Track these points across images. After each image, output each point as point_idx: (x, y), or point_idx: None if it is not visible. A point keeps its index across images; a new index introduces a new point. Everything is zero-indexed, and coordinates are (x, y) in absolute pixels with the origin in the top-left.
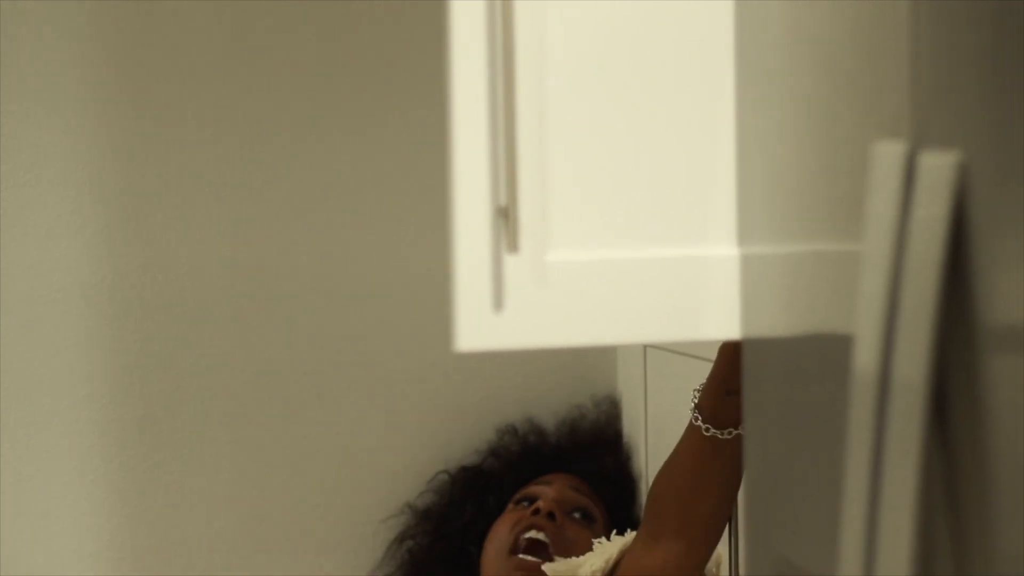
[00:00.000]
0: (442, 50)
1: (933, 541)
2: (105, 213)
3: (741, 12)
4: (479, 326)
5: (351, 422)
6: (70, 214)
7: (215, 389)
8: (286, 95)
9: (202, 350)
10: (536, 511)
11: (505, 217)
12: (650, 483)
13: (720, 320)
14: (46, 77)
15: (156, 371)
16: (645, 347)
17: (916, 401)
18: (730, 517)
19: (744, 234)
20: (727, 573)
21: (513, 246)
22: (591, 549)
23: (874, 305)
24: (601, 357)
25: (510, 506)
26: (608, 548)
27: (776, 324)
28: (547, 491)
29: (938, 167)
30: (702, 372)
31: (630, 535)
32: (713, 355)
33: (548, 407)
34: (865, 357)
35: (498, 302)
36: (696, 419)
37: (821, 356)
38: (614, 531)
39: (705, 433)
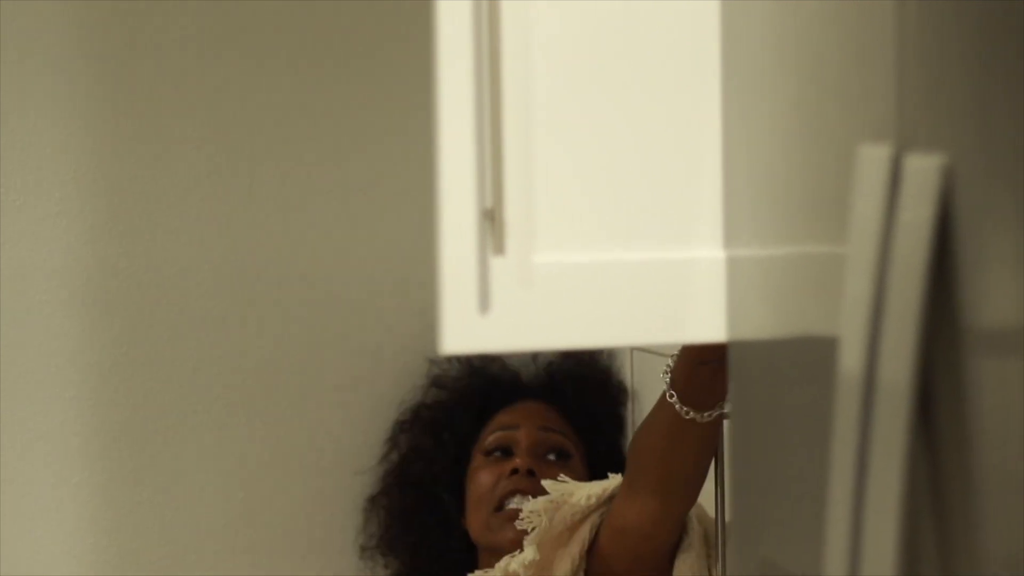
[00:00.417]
0: (428, 50)
1: (918, 543)
2: (92, 215)
3: (727, 14)
4: (465, 328)
5: (339, 423)
6: (55, 216)
7: (201, 391)
8: (273, 93)
9: (188, 352)
10: (514, 470)
11: (491, 219)
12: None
13: (706, 322)
14: (31, 75)
15: (141, 374)
16: (632, 350)
17: (901, 403)
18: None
19: (730, 236)
20: (710, 527)
21: (499, 248)
22: None
23: (859, 307)
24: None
25: (480, 457)
26: (606, 482)
27: (762, 326)
28: (518, 438)
29: (923, 170)
30: None
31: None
32: None
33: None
34: (850, 359)
35: (484, 304)
36: (671, 396)
37: (806, 358)
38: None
39: (684, 416)
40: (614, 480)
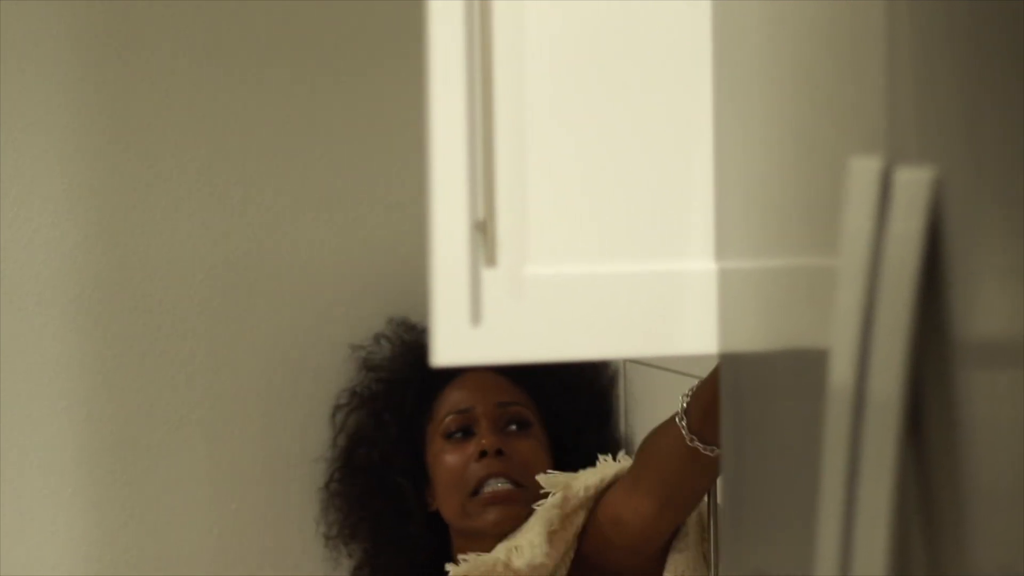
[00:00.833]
0: (421, 61)
1: (908, 554)
2: (84, 227)
3: (719, 28)
4: (457, 340)
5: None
6: (48, 227)
7: (193, 403)
8: (264, 106)
9: (180, 366)
10: (482, 452)
11: (483, 231)
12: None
13: (697, 334)
14: (26, 84)
15: (133, 386)
16: (624, 362)
17: (891, 415)
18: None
19: (721, 248)
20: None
21: (491, 260)
22: (540, 454)
23: (849, 320)
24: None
25: (439, 440)
26: (605, 468)
27: (753, 338)
28: (476, 417)
29: (914, 182)
30: (681, 387)
31: (627, 460)
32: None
33: None
34: (840, 371)
35: (476, 316)
36: (681, 420)
37: (797, 370)
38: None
39: (689, 443)
40: (607, 467)
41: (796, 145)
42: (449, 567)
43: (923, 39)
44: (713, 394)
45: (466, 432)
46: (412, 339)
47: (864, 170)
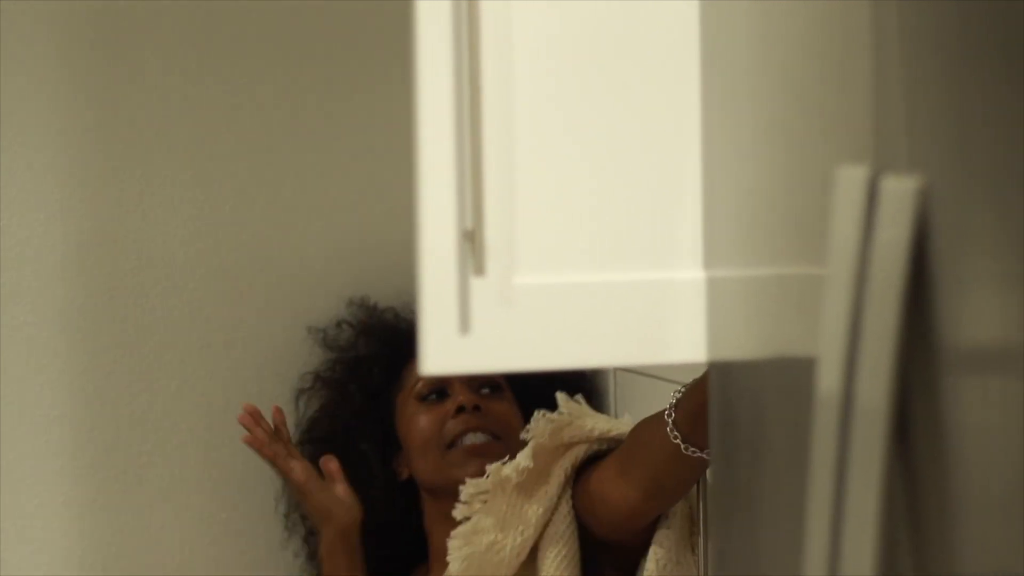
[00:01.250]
0: (409, 64)
1: (895, 560)
2: (78, 235)
3: (706, 37)
4: (446, 349)
5: None
6: (40, 237)
7: (185, 411)
8: (256, 109)
9: (172, 374)
10: (460, 408)
11: (471, 240)
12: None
13: (686, 343)
14: (12, 83)
15: (125, 395)
16: (615, 370)
17: (878, 422)
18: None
19: (710, 257)
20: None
21: (479, 269)
22: (515, 414)
23: (836, 328)
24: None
25: (413, 403)
26: (619, 424)
27: (742, 346)
28: (450, 379)
29: (900, 191)
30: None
31: (630, 421)
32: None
33: None
34: (828, 379)
35: (465, 325)
36: (669, 417)
37: (785, 378)
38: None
39: (673, 441)
40: (620, 424)
41: (784, 154)
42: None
43: (910, 48)
44: (702, 398)
45: (440, 394)
46: (374, 319)
47: (851, 179)
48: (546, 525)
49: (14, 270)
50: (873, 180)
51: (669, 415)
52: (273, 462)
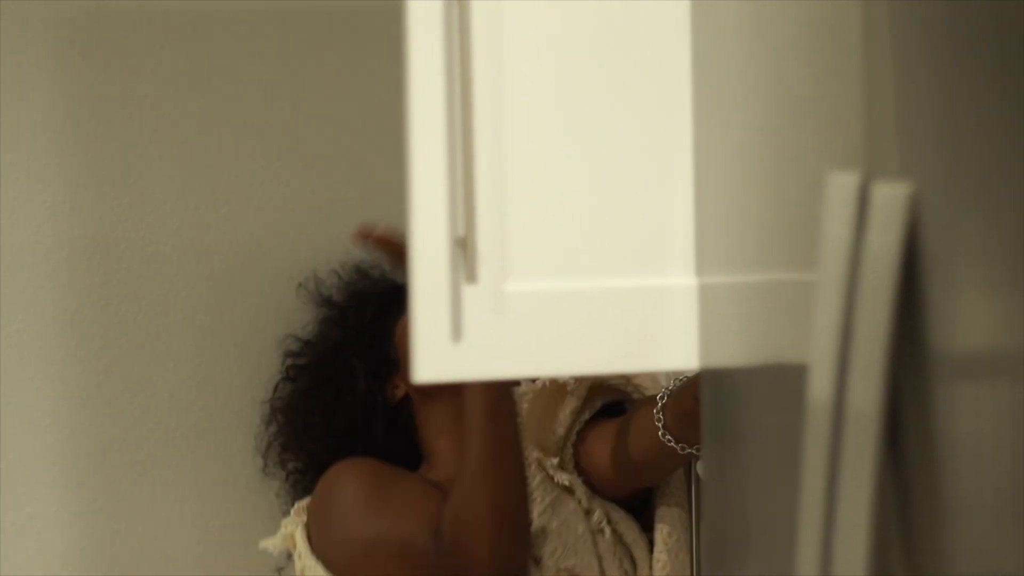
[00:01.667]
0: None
1: (887, 565)
2: (72, 243)
3: (698, 45)
4: (438, 356)
5: None
6: (33, 244)
7: (178, 419)
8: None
9: (166, 379)
10: None
11: (463, 248)
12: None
13: (679, 349)
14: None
15: (118, 402)
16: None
17: (870, 428)
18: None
19: (702, 264)
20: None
21: (471, 277)
22: None
23: (828, 334)
24: None
25: None
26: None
27: (734, 353)
28: None
29: (891, 198)
30: None
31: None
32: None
33: None
34: (819, 385)
35: (457, 332)
36: (657, 415)
37: (777, 385)
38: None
39: (661, 437)
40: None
41: (775, 160)
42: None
43: (902, 54)
44: (691, 399)
45: None
46: (370, 272)
47: (842, 185)
48: None
49: (8, 276)
50: (864, 186)
51: (658, 409)
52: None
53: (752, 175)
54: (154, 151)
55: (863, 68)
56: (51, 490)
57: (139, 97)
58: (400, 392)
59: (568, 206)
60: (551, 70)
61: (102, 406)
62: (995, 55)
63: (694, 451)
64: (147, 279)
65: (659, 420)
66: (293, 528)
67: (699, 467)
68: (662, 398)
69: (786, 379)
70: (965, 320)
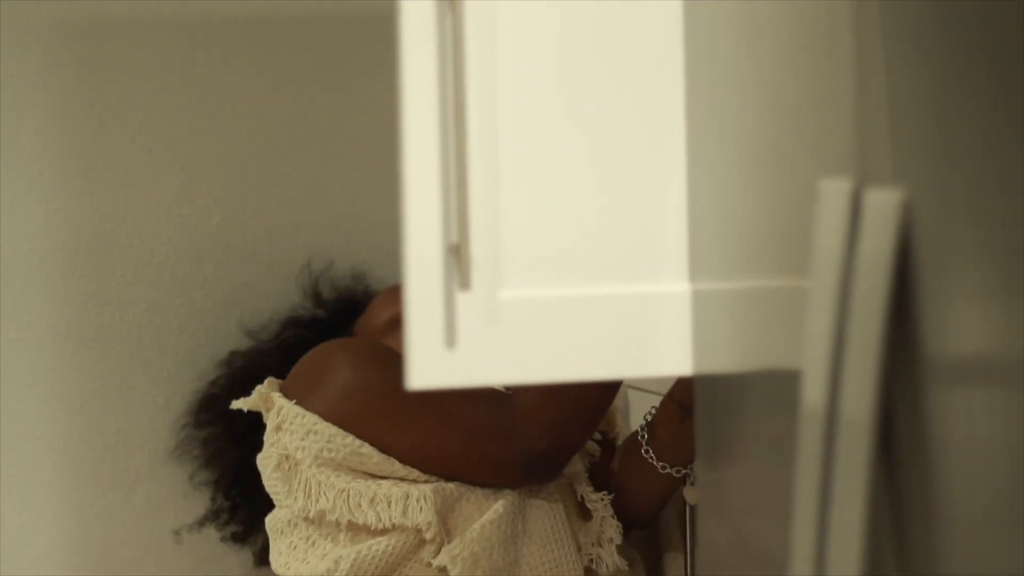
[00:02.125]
0: (394, 83)
1: (880, 572)
2: (64, 252)
3: (690, 53)
4: (432, 363)
5: None
6: (27, 253)
7: (173, 425)
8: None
9: (159, 387)
10: None
11: (457, 255)
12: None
13: (673, 356)
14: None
15: (111, 413)
16: (626, 387)
17: (863, 434)
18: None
19: (695, 270)
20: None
21: (465, 284)
22: None
23: (821, 340)
24: None
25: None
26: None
27: (727, 359)
28: None
29: (883, 204)
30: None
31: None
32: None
33: None
34: (813, 391)
35: (450, 339)
36: (642, 436)
37: (770, 391)
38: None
39: (645, 456)
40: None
41: (768, 167)
42: None
43: (894, 61)
44: (676, 395)
45: None
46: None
47: (835, 191)
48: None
49: (4, 283)
50: (857, 192)
51: (641, 435)
52: None
53: (745, 181)
54: (149, 157)
55: (855, 74)
56: (47, 496)
57: (134, 103)
58: None
59: (561, 213)
60: (545, 78)
61: (97, 412)
62: (988, 61)
63: (684, 472)
64: (142, 285)
65: (643, 437)
66: (268, 390)
67: (686, 492)
68: (646, 418)
69: (779, 385)
70: (958, 326)
